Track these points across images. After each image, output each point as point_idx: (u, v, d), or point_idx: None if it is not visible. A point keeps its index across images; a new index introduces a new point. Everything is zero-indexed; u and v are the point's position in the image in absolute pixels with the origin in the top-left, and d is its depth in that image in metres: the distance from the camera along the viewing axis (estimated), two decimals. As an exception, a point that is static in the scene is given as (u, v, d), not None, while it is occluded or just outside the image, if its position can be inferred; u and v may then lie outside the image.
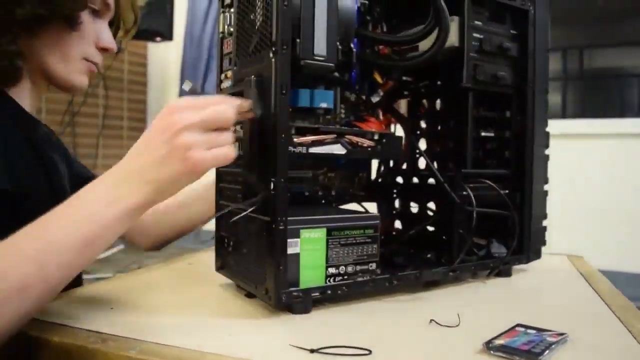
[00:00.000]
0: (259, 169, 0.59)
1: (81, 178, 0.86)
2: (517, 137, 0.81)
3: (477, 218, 0.73)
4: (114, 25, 0.81)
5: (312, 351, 0.48)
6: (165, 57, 3.65)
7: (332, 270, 0.63)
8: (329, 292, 0.62)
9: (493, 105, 0.81)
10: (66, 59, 0.73)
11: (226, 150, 0.56)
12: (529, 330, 0.53)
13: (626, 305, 0.65)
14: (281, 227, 0.58)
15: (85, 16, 0.73)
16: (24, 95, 0.75)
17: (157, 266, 0.85)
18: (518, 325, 0.55)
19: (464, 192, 0.74)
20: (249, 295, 0.66)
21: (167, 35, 3.06)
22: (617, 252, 2.42)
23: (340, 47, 0.63)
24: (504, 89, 0.79)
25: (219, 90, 0.70)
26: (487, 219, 0.79)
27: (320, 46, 0.60)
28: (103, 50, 0.77)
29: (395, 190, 0.88)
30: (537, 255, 0.84)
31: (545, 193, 0.84)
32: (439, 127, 0.82)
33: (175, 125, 0.54)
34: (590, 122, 2.61)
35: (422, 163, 0.83)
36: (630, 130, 2.50)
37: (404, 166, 0.86)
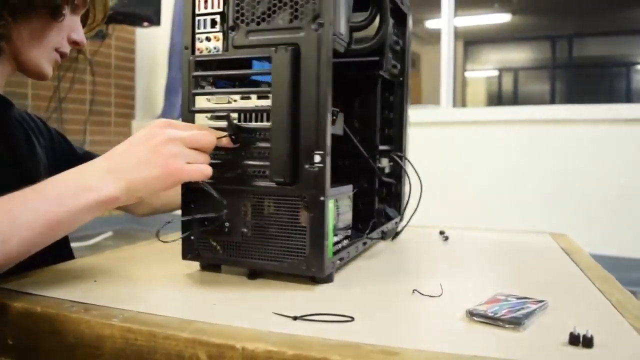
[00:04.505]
0: (293, 144, 0.59)
1: (72, 159, 0.87)
2: (399, 118, 0.92)
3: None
4: (83, 21, 0.83)
5: (294, 318, 0.49)
6: (153, 43, 3.61)
7: (335, 238, 0.64)
8: (339, 260, 0.64)
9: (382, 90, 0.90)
10: (41, 48, 0.75)
11: (204, 167, 0.60)
12: (509, 298, 0.54)
13: (606, 277, 0.66)
14: (322, 199, 0.58)
15: (66, 10, 0.75)
16: None
17: (142, 243, 0.85)
18: (498, 294, 0.55)
19: (380, 165, 0.85)
20: (251, 276, 0.64)
21: (155, 21, 3.03)
22: (603, 235, 2.45)
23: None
24: (394, 77, 0.89)
25: (198, 52, 0.64)
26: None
27: (342, 26, 0.61)
28: (74, 43, 0.79)
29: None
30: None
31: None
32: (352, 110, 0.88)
33: (162, 136, 0.58)
34: (578, 108, 2.63)
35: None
36: (618, 116, 2.52)
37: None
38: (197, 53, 0.64)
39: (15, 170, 0.76)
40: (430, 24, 5.18)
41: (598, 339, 0.42)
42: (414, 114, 2.92)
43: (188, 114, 0.64)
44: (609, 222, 2.50)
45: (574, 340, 0.43)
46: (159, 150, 0.58)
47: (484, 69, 5.96)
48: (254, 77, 0.66)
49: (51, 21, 0.73)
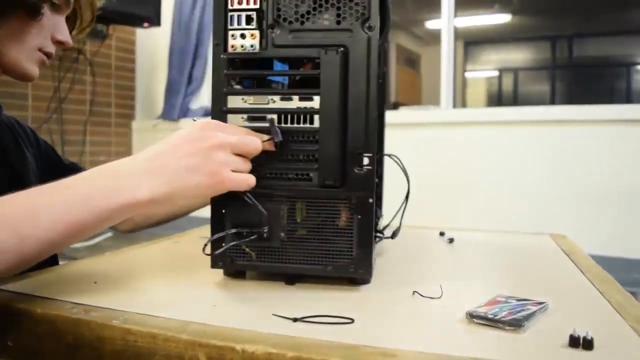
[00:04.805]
0: (343, 146, 0.58)
1: (58, 168, 0.88)
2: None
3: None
4: (72, 21, 0.82)
5: (294, 320, 0.49)
6: (153, 43, 3.61)
7: None
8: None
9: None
10: (22, 48, 0.73)
11: (249, 177, 0.57)
12: (509, 300, 0.54)
13: (606, 278, 0.66)
14: (370, 201, 0.58)
15: (46, 9, 0.73)
16: None
17: (142, 244, 0.85)
18: (498, 295, 0.55)
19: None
20: (289, 282, 0.62)
21: (155, 21, 3.03)
22: (603, 236, 2.45)
23: None
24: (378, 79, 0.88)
25: (231, 49, 0.61)
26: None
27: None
28: (58, 43, 0.77)
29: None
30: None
31: None
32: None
33: (212, 140, 0.55)
34: (579, 108, 2.63)
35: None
36: (618, 116, 2.52)
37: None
38: (230, 50, 0.61)
39: (6, 171, 0.76)
40: (430, 24, 5.19)
41: (598, 341, 0.42)
42: (414, 114, 2.92)
43: (220, 114, 0.61)
44: (609, 223, 2.50)
45: (574, 342, 0.43)
46: (208, 155, 0.54)
47: (484, 70, 5.97)
48: (269, 78, 0.65)
49: (30, 21, 0.72)
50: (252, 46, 0.61)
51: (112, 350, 0.47)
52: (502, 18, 5.28)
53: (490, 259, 0.81)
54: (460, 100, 4.60)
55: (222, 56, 0.61)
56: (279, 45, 0.60)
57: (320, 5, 0.59)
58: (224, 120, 0.61)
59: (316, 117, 0.59)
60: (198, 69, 3.41)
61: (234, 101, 0.61)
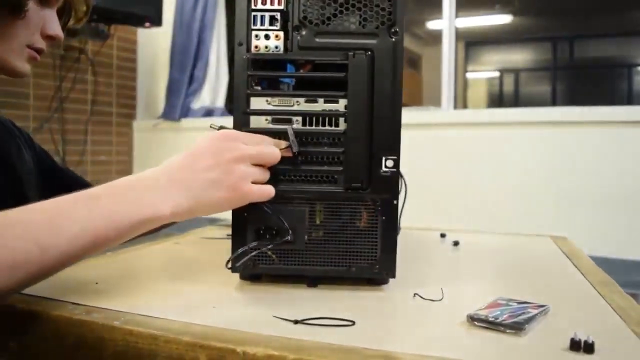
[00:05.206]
0: (367, 147, 0.59)
1: (52, 172, 0.88)
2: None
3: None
4: (65, 14, 0.79)
5: (295, 322, 0.49)
6: (154, 43, 3.61)
7: None
8: None
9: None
10: (9, 46, 0.71)
11: (269, 188, 0.58)
12: (510, 303, 0.54)
13: (606, 281, 0.66)
14: (395, 203, 0.59)
15: (31, 4, 0.71)
16: None
17: (143, 245, 0.85)
18: (499, 298, 0.55)
19: None
20: (311, 284, 0.62)
21: (157, 21, 3.03)
22: (604, 237, 2.45)
23: None
24: None
25: (255, 49, 0.60)
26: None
27: None
28: (49, 38, 0.75)
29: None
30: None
31: None
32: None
33: (233, 152, 0.55)
34: (580, 110, 2.63)
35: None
36: (620, 117, 2.51)
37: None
38: (253, 51, 0.60)
39: (7, 172, 0.76)
40: (431, 24, 5.18)
41: (599, 345, 0.42)
42: (415, 115, 2.92)
43: (242, 116, 0.61)
44: (610, 225, 2.50)
45: (575, 345, 0.43)
46: (229, 169, 0.55)
47: (485, 70, 5.96)
48: (279, 79, 0.64)
49: (14, 19, 0.69)
50: (276, 47, 0.60)
51: (113, 351, 0.47)
52: (503, 19, 5.28)
53: (491, 261, 0.81)
54: (461, 101, 4.59)
55: (244, 56, 0.61)
56: (304, 47, 0.60)
57: (347, 9, 0.59)
58: (247, 121, 0.61)
59: (341, 120, 0.60)
60: (199, 69, 3.40)
61: (257, 103, 0.61)
